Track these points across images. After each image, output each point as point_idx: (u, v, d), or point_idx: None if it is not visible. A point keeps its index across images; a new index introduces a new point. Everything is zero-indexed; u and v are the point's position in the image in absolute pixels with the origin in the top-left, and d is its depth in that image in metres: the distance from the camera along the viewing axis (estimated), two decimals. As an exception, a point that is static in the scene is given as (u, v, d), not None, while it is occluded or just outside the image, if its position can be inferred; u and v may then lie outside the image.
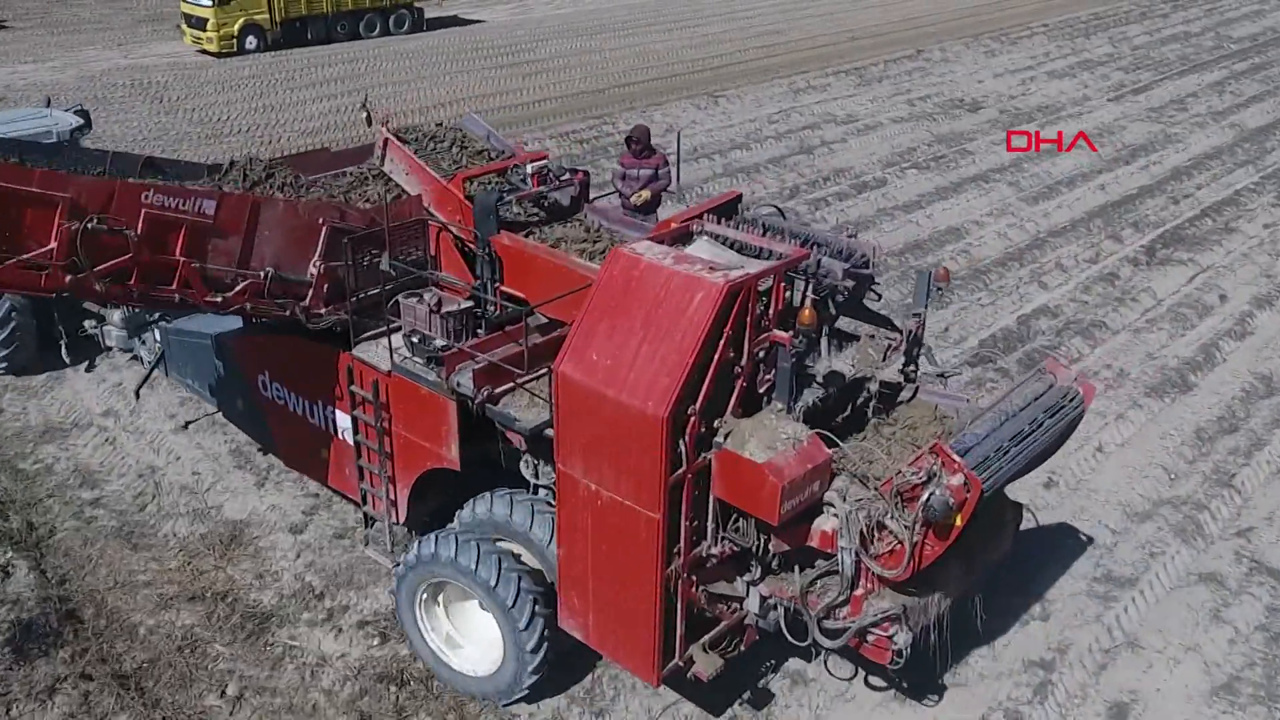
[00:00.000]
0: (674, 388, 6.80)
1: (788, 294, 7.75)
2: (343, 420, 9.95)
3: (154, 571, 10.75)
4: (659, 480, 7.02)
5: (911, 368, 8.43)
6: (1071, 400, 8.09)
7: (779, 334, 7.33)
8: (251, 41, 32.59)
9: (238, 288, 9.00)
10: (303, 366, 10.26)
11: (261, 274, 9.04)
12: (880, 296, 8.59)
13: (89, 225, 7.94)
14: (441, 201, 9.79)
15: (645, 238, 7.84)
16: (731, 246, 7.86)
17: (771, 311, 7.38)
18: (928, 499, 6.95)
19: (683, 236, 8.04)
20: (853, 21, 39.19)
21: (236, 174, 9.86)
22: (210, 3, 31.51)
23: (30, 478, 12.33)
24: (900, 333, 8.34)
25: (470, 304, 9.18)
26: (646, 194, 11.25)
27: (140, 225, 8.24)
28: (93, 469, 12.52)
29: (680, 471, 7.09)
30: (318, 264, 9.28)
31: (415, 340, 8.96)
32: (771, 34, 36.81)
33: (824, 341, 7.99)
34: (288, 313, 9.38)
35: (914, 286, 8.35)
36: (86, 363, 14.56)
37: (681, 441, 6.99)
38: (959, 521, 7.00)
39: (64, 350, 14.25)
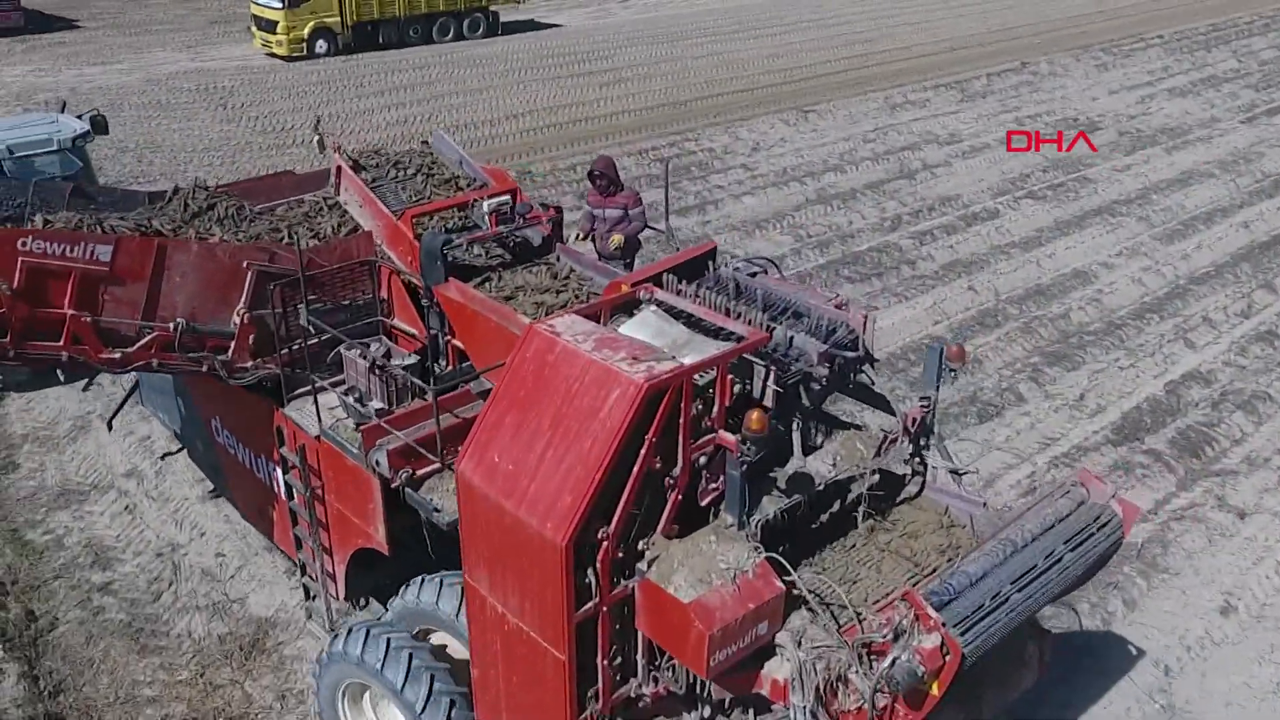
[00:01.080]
0: (578, 508, 5.64)
1: (743, 385, 6.42)
2: (281, 481, 8.97)
3: (162, 684, 9.23)
4: (562, 616, 5.90)
5: (918, 460, 7.06)
6: (1105, 525, 6.35)
7: (725, 437, 6.04)
8: (321, 45, 31.44)
9: (141, 342, 8.12)
10: (247, 417, 9.23)
11: (171, 325, 8.14)
12: (872, 381, 7.09)
13: None
14: (394, 240, 8.71)
15: (575, 310, 6.61)
16: (685, 319, 6.51)
17: (716, 409, 6.13)
18: (890, 666, 5.46)
19: (627, 305, 6.78)
20: (950, 30, 36.81)
21: (178, 203, 9.02)
22: (280, 5, 30.42)
23: (38, 553, 10.92)
24: (903, 420, 6.92)
25: (418, 359, 8.05)
26: (618, 239, 9.61)
27: (18, 276, 7.46)
28: (107, 544, 11.08)
29: (591, 605, 5.94)
30: (242, 313, 8.33)
31: (352, 400, 7.92)
32: (863, 43, 34.64)
33: (796, 436, 6.57)
34: (204, 368, 8.45)
35: (924, 363, 7.10)
36: (85, 382, 13.46)
37: (591, 570, 5.86)
38: (935, 691, 5.53)
39: (59, 370, 12.76)
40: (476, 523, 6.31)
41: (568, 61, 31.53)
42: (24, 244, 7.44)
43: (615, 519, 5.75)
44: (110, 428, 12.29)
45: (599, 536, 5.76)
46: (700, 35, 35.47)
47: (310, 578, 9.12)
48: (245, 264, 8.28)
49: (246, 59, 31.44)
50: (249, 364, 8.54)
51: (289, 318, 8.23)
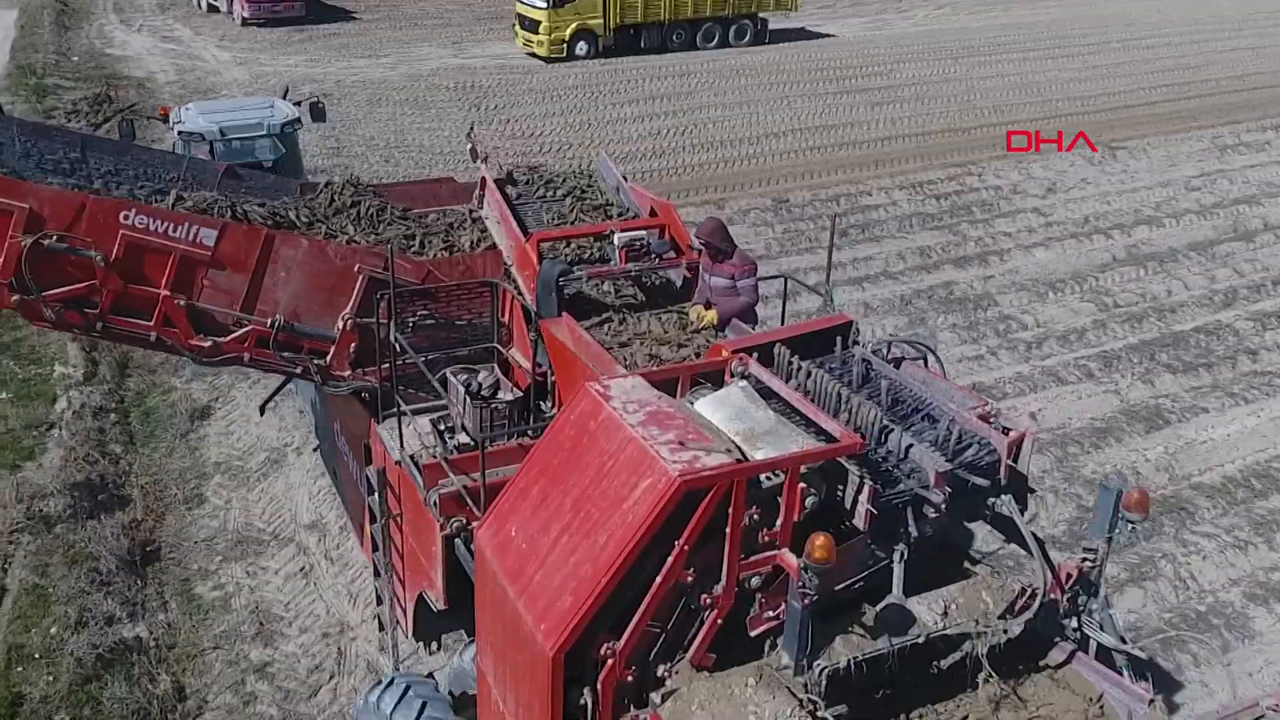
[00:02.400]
0: (576, 614, 4.87)
1: (833, 497, 5.31)
2: (367, 502, 8.46)
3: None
4: None
5: (1073, 623, 5.87)
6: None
7: (786, 558, 5.12)
8: (582, 47, 30.40)
9: (235, 334, 7.97)
10: (354, 427, 8.80)
11: (269, 321, 7.94)
12: (1021, 513, 5.68)
13: (45, 243, 7.34)
14: (521, 263, 8.15)
15: (647, 372, 5.91)
16: (778, 403, 5.63)
17: (781, 522, 5.20)
18: None
19: (713, 374, 6.05)
20: (1292, 58, 31.57)
21: (324, 197, 8.97)
22: (545, 5, 29.57)
23: (203, 612, 9.79)
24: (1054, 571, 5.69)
25: (522, 396, 7.49)
26: (702, 312, 7.81)
27: (116, 249, 7.51)
28: (275, 612, 9.81)
29: None
30: (347, 319, 8.03)
31: (443, 429, 7.52)
32: (1186, 69, 30.09)
33: (898, 568, 5.43)
34: (298, 370, 8.25)
35: (1093, 507, 5.95)
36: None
37: (589, 690, 5.04)
38: None
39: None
40: (486, 601, 5.67)
41: (838, 76, 29.00)
42: (126, 217, 7.42)
43: (627, 635, 4.97)
44: (262, 412, 11.36)
45: (603, 652, 4.98)
46: (989, 52, 31.96)
47: (384, 606, 8.46)
48: (357, 268, 7.96)
49: (507, 58, 30.86)
50: (346, 373, 8.22)
51: (393, 329, 7.61)
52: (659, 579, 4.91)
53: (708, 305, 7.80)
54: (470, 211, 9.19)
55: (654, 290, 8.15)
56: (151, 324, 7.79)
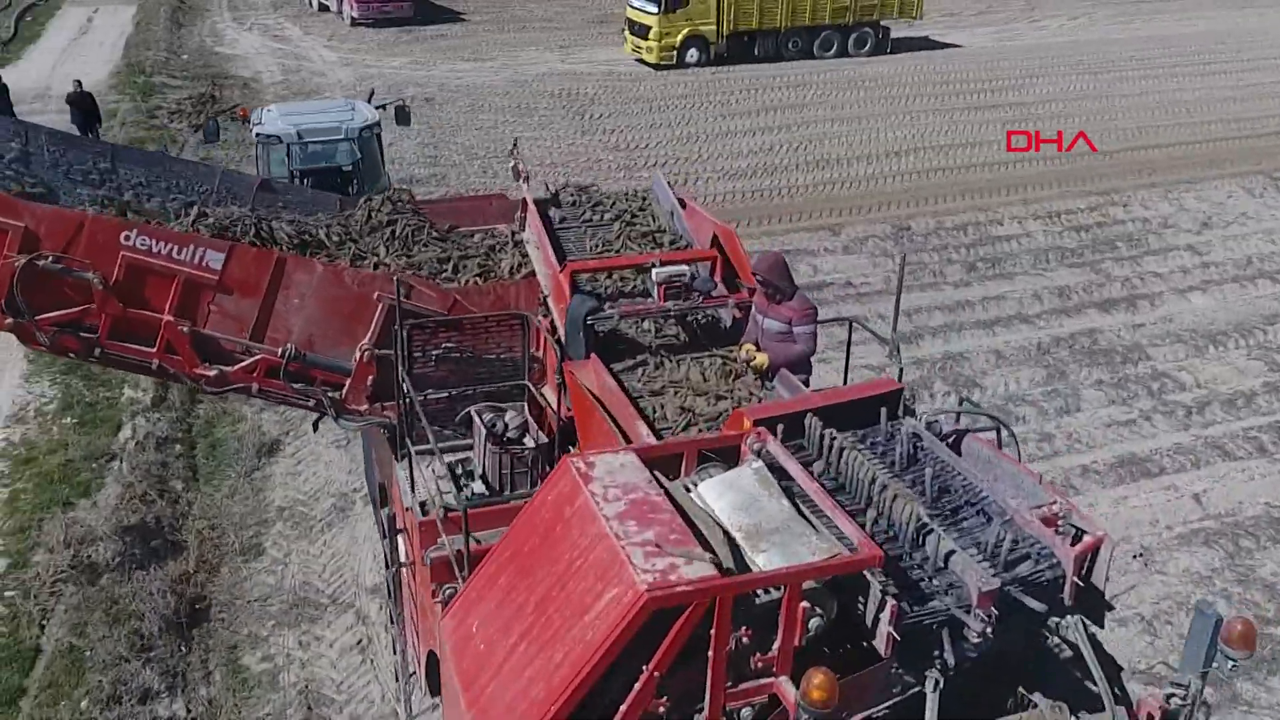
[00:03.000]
0: None
1: (821, 619, 4.41)
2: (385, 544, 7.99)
3: None
4: None
5: None
6: None
7: (783, 688, 4.34)
8: (693, 54, 29.13)
9: (244, 362, 7.64)
10: (381, 463, 8.38)
11: (280, 350, 7.58)
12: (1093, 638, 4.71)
13: (39, 263, 7.15)
14: (557, 294, 7.46)
15: (643, 448, 5.04)
16: (797, 493, 4.76)
17: (778, 646, 4.38)
18: None
19: (726, 451, 5.16)
20: None
21: (361, 214, 8.64)
22: (656, 10, 28.38)
23: (249, 688, 8.83)
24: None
25: (548, 442, 6.99)
26: (753, 351, 6.95)
27: (116, 271, 7.27)
28: (325, 694, 8.80)
29: None
30: (365, 350, 7.62)
31: (460, 473, 7.01)
32: (1356, 90, 27.36)
33: (931, 699, 4.47)
34: (311, 403, 7.84)
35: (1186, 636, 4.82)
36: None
37: None
38: None
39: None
40: (448, 696, 5.12)
41: (965, 90, 27.11)
42: (127, 238, 7.16)
43: None
44: (315, 429, 10.26)
45: None
46: (1131, 67, 29.60)
47: (399, 659, 7.99)
48: (376, 295, 7.54)
49: (614, 64, 29.77)
50: (363, 407, 7.75)
51: (413, 362, 7.14)
52: (625, 707, 4.21)
53: (757, 346, 6.95)
54: (513, 233, 8.72)
55: (699, 330, 7.42)
56: (154, 351, 7.51)
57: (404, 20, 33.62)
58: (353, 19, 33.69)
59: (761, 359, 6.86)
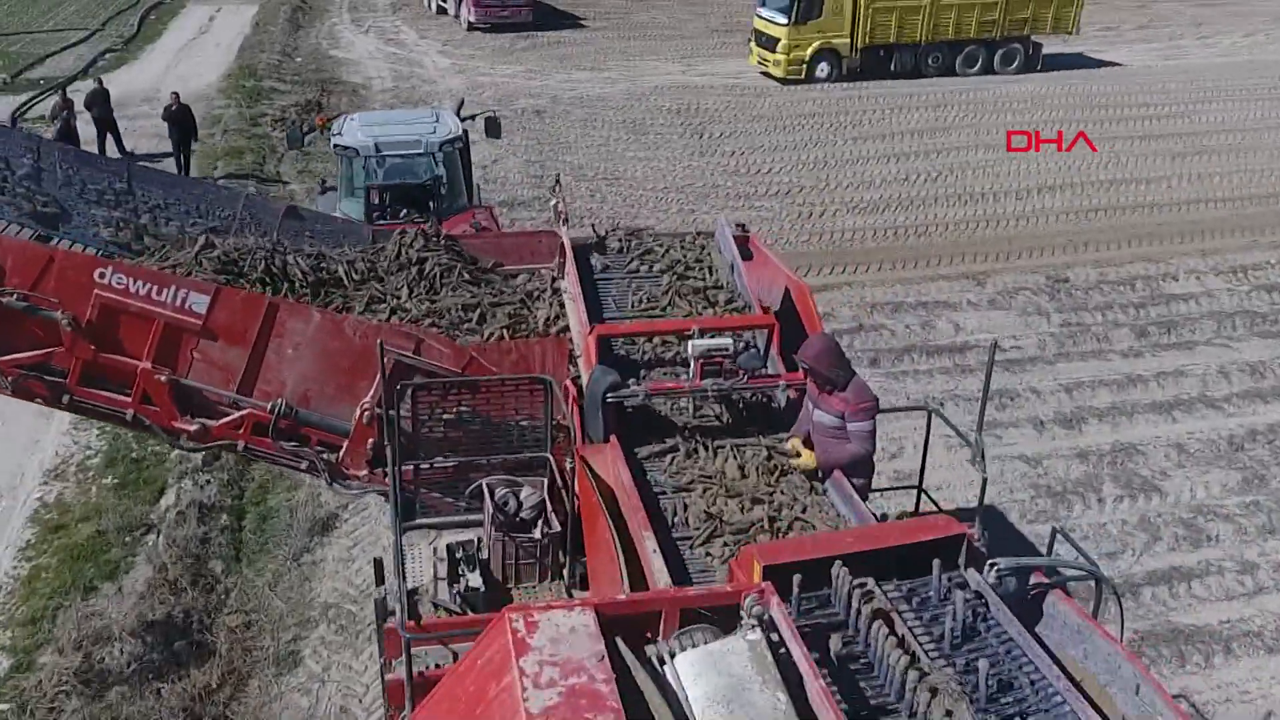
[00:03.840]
0: None
1: None
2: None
3: None
4: None
5: None
6: None
7: None
8: (823, 69, 27.06)
9: (229, 417, 7.01)
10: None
11: (270, 406, 6.90)
12: None
13: (2, 300, 6.65)
14: (587, 358, 6.71)
15: (603, 604, 4.00)
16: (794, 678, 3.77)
17: None
18: None
19: (727, 616, 4.00)
20: None
21: (392, 249, 8.13)
22: (785, 20, 26.41)
23: None
24: None
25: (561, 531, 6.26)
26: (808, 458, 6.06)
27: (90, 311, 6.74)
28: None
29: None
30: (367, 408, 6.83)
31: (460, 556, 6.18)
32: None
33: None
34: (303, 465, 7.19)
35: None
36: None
37: None
38: None
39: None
40: None
41: (1127, 116, 24.37)
42: (102, 275, 6.73)
43: None
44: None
45: None
46: (1320, 94, 26.38)
47: None
48: (381, 349, 6.88)
49: (738, 77, 27.90)
50: (363, 473, 7.10)
51: (419, 425, 6.57)
52: None
53: (807, 440, 6.18)
54: (553, 279, 8.03)
55: (745, 410, 6.61)
56: (129, 400, 6.97)
57: (522, 26, 32.40)
58: (469, 23, 32.63)
59: (808, 459, 6.08)
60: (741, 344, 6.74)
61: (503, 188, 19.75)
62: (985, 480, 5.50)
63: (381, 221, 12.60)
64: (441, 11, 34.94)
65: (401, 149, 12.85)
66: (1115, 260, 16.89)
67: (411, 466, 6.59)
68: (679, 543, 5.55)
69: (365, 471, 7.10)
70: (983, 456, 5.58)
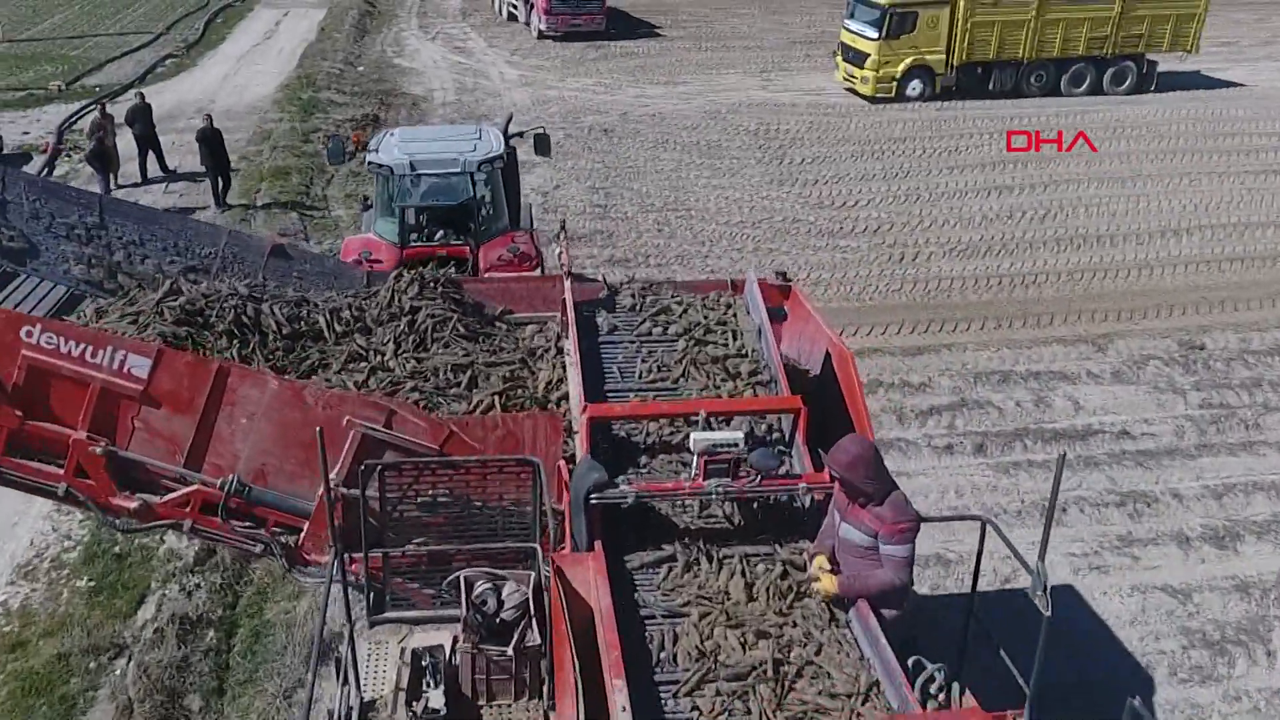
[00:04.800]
0: None
1: None
2: None
3: None
4: None
5: None
6: None
7: None
8: (915, 87, 24.96)
9: (175, 494, 6.37)
10: None
11: (220, 482, 6.30)
12: None
13: None
14: (583, 441, 5.94)
15: None
16: None
17: None
18: None
19: None
20: None
21: (385, 293, 7.56)
22: (876, 35, 24.38)
23: None
24: None
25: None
26: (828, 586, 5.16)
27: (16, 374, 6.20)
28: None
29: None
30: (333, 486, 5.87)
31: (426, 664, 5.70)
32: None
33: None
34: (258, 548, 6.48)
35: None
36: None
37: None
38: None
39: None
40: None
41: (1256, 145, 21.89)
42: (29, 334, 6.18)
43: None
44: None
45: None
46: None
47: None
48: (346, 421, 6.22)
49: (821, 93, 25.95)
50: (324, 559, 6.31)
51: (388, 509, 5.90)
52: None
53: (833, 557, 5.31)
54: (558, 335, 7.53)
55: (760, 511, 5.76)
56: (61, 473, 6.38)
57: (595, 35, 30.82)
58: (540, 31, 31.16)
59: (829, 584, 5.20)
60: (762, 429, 6.01)
61: (560, 218, 18.12)
62: (1047, 621, 4.42)
63: (417, 244, 11.99)
64: (512, 18, 33.56)
65: (438, 168, 12.08)
66: (1259, 324, 14.65)
67: (380, 554, 6.01)
68: (661, 688, 4.80)
69: (327, 558, 6.32)
70: (1045, 590, 4.45)
